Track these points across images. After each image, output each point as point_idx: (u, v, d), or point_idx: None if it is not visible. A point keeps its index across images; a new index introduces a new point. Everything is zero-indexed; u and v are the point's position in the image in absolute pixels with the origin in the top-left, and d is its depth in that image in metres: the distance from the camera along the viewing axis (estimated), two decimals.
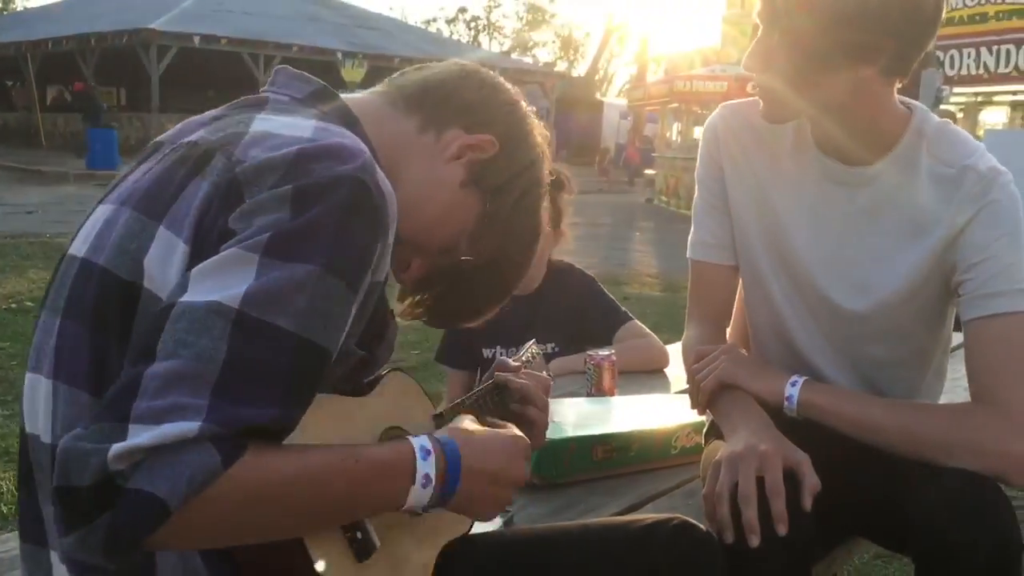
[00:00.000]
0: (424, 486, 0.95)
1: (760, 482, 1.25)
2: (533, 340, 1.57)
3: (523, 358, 1.45)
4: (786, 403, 1.43)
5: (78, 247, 1.01)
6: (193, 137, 1.02)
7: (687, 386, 1.59)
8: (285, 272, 0.85)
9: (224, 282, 0.84)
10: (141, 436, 0.77)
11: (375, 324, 1.03)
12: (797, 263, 1.52)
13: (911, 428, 1.35)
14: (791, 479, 1.26)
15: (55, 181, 16.97)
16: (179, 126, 1.09)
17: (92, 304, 0.94)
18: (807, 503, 1.26)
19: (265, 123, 0.99)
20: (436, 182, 1.12)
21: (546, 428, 1.32)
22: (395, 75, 1.19)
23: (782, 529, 1.21)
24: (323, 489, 0.87)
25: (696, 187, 1.62)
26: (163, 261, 0.92)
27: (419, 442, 0.96)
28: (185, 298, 0.84)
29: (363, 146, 0.96)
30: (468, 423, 1.07)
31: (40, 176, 17.89)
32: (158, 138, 1.09)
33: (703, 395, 1.51)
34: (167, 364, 0.80)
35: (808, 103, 1.37)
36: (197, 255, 0.90)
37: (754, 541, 1.21)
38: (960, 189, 1.38)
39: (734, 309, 1.71)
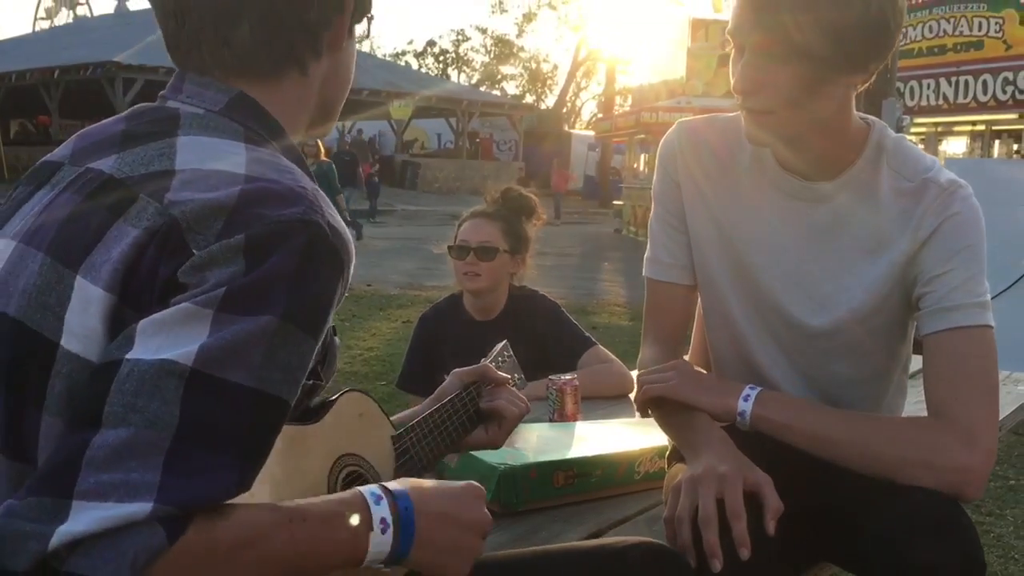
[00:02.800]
0: (383, 531, 0.90)
1: (721, 504, 1.21)
2: (504, 341, 1.53)
3: (494, 359, 1.44)
4: (739, 419, 1.40)
5: None
6: (104, 167, 0.92)
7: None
8: (241, 326, 0.80)
9: (176, 339, 0.79)
10: (86, 520, 0.72)
11: (322, 348, 0.98)
12: (757, 280, 1.49)
13: (866, 442, 1.33)
14: (754, 501, 1.23)
15: None
16: (76, 142, 1.00)
17: (3, 361, 0.86)
18: (770, 527, 1.22)
19: (191, 153, 0.91)
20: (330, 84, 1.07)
21: (520, 418, 1.32)
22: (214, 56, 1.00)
23: (744, 553, 1.18)
24: (271, 552, 0.82)
25: (652, 204, 1.60)
26: (83, 313, 0.84)
27: (368, 489, 0.93)
28: (132, 355, 0.78)
29: (305, 181, 0.91)
30: (416, 480, 1.02)
31: None
32: (49, 157, 1.00)
33: (643, 400, 1.47)
34: (116, 433, 0.75)
35: (805, 118, 1.34)
36: (133, 305, 0.84)
37: (716, 565, 1.17)
38: (921, 202, 1.38)
39: (695, 329, 1.69)
